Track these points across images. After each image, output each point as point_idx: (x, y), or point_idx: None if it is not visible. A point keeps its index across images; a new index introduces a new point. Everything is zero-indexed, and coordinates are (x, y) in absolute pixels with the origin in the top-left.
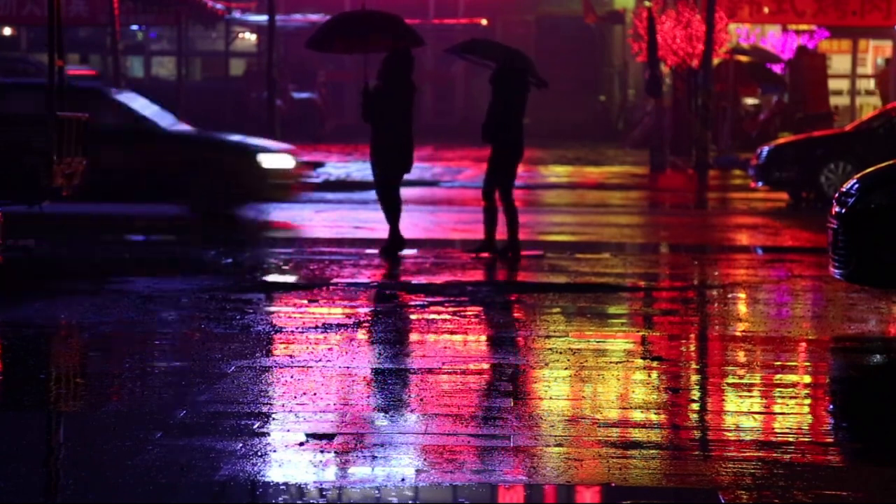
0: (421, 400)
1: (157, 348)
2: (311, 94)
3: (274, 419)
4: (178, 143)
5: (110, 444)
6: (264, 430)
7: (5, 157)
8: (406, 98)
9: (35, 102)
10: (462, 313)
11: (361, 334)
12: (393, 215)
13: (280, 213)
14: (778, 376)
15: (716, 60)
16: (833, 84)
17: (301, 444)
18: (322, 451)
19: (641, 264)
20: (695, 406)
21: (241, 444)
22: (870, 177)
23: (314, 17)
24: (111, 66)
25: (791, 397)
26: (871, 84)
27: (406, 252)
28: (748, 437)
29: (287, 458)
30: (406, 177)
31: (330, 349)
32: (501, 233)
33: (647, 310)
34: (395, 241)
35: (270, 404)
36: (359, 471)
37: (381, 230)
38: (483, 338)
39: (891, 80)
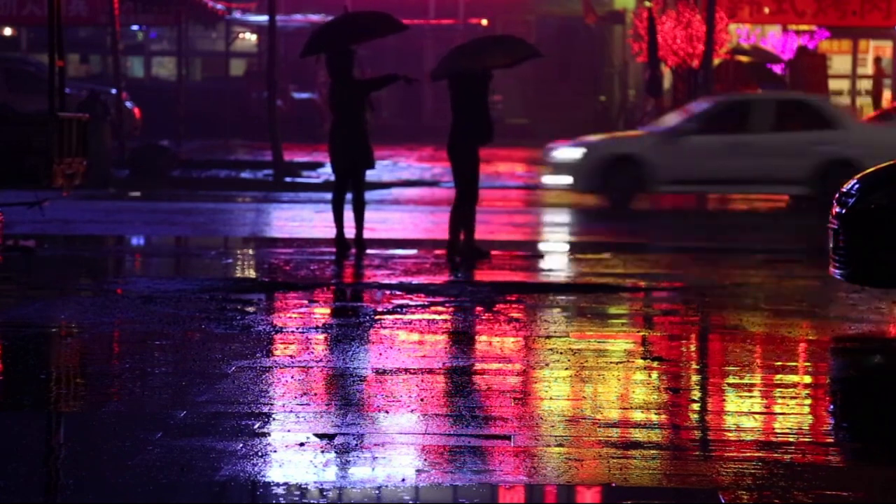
0: (421, 400)
1: (157, 348)
2: (311, 94)
3: (274, 419)
4: None
5: (110, 444)
6: (265, 430)
7: (6, 157)
8: (349, 96)
9: None
10: (462, 313)
11: (361, 334)
12: (335, 214)
13: (280, 212)
14: (778, 376)
15: (716, 61)
16: (833, 84)
17: (301, 444)
18: (322, 451)
19: (641, 264)
20: (695, 406)
21: (241, 445)
22: (870, 177)
23: (315, 17)
24: (111, 66)
25: (791, 397)
26: (871, 84)
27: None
28: (748, 438)
29: (287, 459)
30: (406, 177)
31: (330, 349)
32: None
33: (647, 310)
34: (338, 244)
35: (271, 404)
36: (359, 471)
37: (382, 230)
38: (483, 338)
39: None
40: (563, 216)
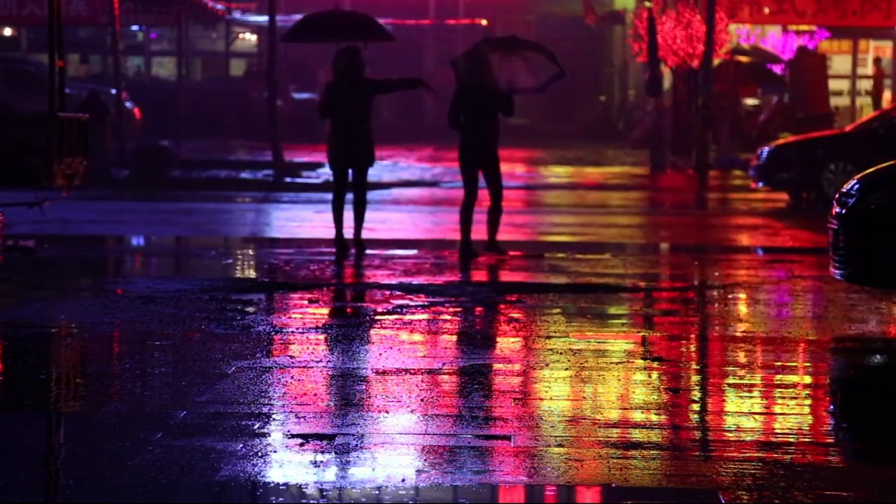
0: (421, 400)
1: (157, 348)
2: (311, 95)
3: (274, 419)
4: None
5: (110, 444)
6: (264, 430)
7: (6, 157)
8: (356, 96)
9: None
10: (463, 313)
11: (361, 334)
12: (334, 214)
13: (280, 212)
14: (778, 377)
15: (716, 61)
16: (833, 84)
17: (301, 444)
18: (322, 452)
19: (642, 265)
20: (695, 406)
21: (241, 445)
22: (870, 177)
23: None
24: (111, 66)
25: (791, 398)
26: (871, 85)
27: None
28: (748, 438)
29: (287, 459)
30: (406, 177)
31: (330, 349)
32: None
33: (647, 310)
34: (338, 244)
35: (271, 404)
36: (359, 471)
37: (382, 230)
38: (483, 338)
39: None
40: None
